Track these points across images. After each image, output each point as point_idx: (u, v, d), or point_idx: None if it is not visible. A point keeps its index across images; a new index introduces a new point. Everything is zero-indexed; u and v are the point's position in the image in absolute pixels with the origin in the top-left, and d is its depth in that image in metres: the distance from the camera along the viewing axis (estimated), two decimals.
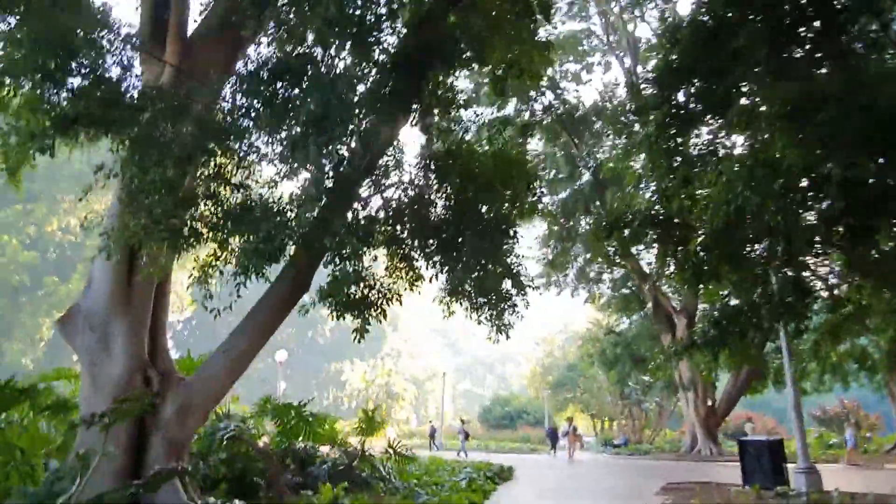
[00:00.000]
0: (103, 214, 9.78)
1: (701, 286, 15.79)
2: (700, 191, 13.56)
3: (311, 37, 8.80)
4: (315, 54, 8.87)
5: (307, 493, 11.33)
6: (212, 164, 8.54)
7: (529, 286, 10.71)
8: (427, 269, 10.15)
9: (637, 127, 17.21)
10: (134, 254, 9.16)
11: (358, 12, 8.69)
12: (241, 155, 8.73)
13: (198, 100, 8.64)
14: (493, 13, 10.40)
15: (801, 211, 12.83)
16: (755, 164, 11.85)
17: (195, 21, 10.72)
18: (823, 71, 12.45)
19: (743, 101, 13.40)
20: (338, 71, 8.81)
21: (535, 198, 12.41)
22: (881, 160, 11.76)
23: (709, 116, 13.89)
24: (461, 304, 10.43)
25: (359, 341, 8.98)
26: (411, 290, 10.25)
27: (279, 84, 8.47)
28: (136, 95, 9.03)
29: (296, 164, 8.24)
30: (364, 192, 9.75)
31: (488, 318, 10.40)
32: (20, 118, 8.82)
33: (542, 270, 33.45)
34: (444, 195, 10.35)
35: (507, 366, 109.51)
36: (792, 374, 15.67)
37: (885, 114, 10.19)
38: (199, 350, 13.61)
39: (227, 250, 8.49)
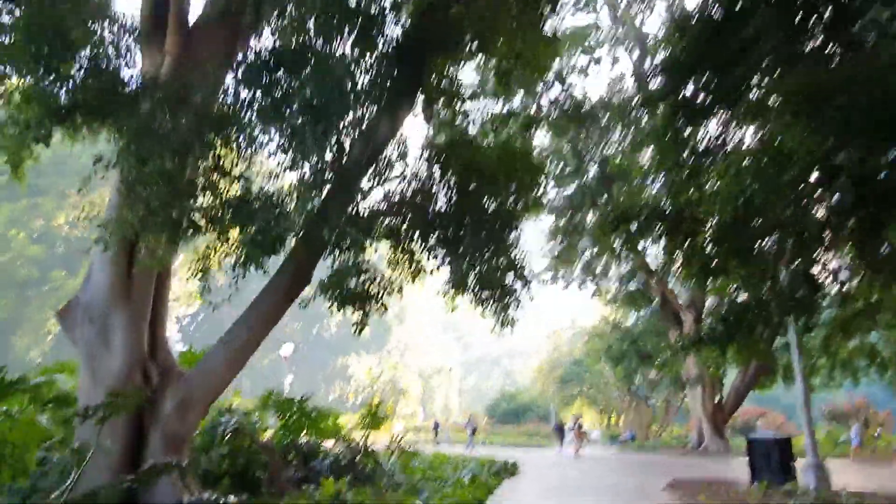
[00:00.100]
0: (104, 207, 9.71)
1: (709, 281, 15.60)
2: (708, 184, 13.36)
3: (311, 27, 8.68)
4: (316, 44, 8.75)
5: (309, 487, 11.26)
6: (211, 155, 8.43)
7: (534, 279, 10.60)
8: (429, 261, 10.03)
9: (645, 121, 17.01)
10: (134, 246, 9.06)
11: (362, 4, 8.56)
12: (240, 145, 8.61)
13: (198, 89, 8.53)
14: (499, 3, 10.23)
15: (811, 204, 12.63)
16: (764, 156, 11.65)
17: (196, 12, 10.65)
18: (835, 61, 12.21)
19: (752, 92, 13.18)
20: (339, 61, 8.68)
21: (542, 192, 12.25)
22: (894, 152, 11.54)
23: (717, 108, 13.67)
24: (466, 296, 10.34)
25: (358, 334, 8.88)
26: (413, 283, 10.13)
27: (279, 74, 8.36)
28: (134, 86, 8.93)
29: (296, 155, 8.12)
30: (366, 183, 9.63)
31: (493, 311, 10.31)
32: (18, 109, 8.72)
33: (549, 263, 33.27)
34: (446, 187, 10.22)
35: (515, 361, 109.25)
36: (801, 370, 15.46)
37: None
38: (204, 344, 13.53)
39: (226, 242, 8.39)
